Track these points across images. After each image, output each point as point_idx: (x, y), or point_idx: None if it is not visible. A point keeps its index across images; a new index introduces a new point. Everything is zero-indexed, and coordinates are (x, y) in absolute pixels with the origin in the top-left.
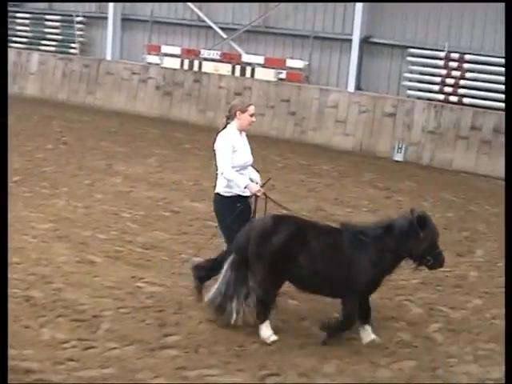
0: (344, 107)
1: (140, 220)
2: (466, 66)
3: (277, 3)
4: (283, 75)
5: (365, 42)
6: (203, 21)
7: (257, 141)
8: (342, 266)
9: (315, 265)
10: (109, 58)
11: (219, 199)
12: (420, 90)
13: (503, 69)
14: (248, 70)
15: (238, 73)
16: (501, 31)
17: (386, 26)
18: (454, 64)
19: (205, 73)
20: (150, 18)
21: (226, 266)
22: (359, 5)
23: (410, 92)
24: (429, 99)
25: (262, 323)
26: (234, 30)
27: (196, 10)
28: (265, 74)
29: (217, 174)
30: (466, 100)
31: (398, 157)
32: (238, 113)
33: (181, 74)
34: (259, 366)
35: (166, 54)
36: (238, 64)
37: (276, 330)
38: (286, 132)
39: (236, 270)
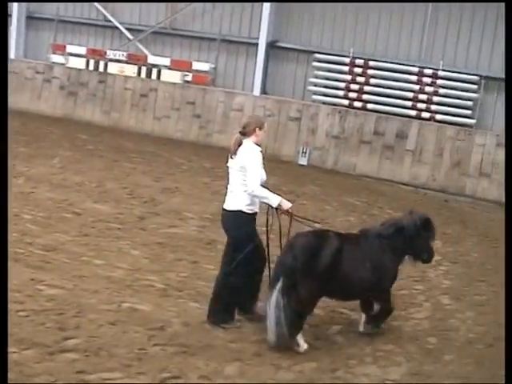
0: (249, 111)
1: (41, 221)
2: (370, 71)
3: (184, 5)
4: (189, 78)
5: (271, 46)
6: (109, 21)
7: (161, 143)
8: (374, 269)
9: (356, 273)
10: (12, 56)
11: (244, 217)
12: (325, 95)
13: (406, 75)
14: (154, 71)
15: (143, 74)
16: (404, 38)
17: (292, 31)
18: (358, 70)
19: (110, 74)
20: (56, 16)
21: (275, 293)
22: (266, 9)
23: (315, 97)
24: (333, 104)
25: (297, 334)
26: (141, 31)
27: (102, 9)
28: (171, 76)
29: (228, 191)
30: (369, 106)
31: (303, 161)
32: (256, 129)
33: (86, 75)
34: (160, 368)
35: (71, 54)
36: (144, 65)
37: (176, 333)
38: (191, 134)
39: (288, 295)
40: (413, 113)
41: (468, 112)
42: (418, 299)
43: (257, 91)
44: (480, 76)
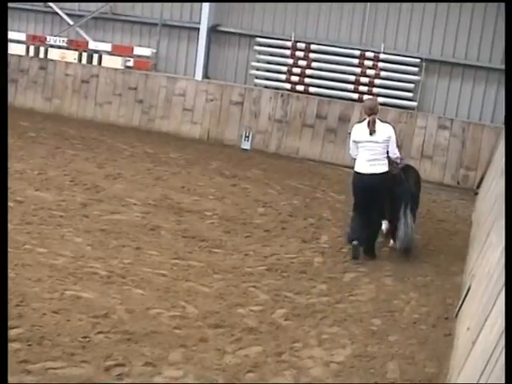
0: (191, 95)
1: None
2: (311, 55)
3: None
4: (131, 63)
5: (212, 30)
6: (49, 6)
7: (103, 129)
8: None
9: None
10: None
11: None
12: (267, 78)
13: (348, 59)
14: (95, 57)
15: (84, 60)
16: (345, 21)
17: (234, 15)
18: (300, 53)
19: (51, 60)
20: None
21: (409, 213)
22: None
23: (257, 81)
24: (276, 88)
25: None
26: (81, 16)
27: None
28: (112, 62)
29: (368, 160)
30: (311, 89)
31: (246, 145)
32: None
33: (26, 61)
34: (104, 356)
35: (11, 40)
36: (85, 51)
37: (120, 320)
38: (134, 120)
39: (412, 212)
40: (355, 96)
41: (409, 95)
42: (362, 281)
43: (199, 76)
44: (421, 59)
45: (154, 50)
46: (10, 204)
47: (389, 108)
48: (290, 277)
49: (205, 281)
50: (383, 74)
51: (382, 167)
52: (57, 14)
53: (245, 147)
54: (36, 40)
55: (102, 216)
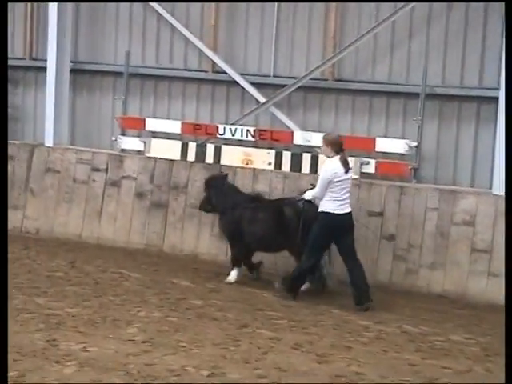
0: (488, 225)
1: None
2: None
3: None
4: (371, 167)
5: None
6: (221, 72)
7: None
8: None
9: None
10: (49, 142)
11: None
12: None
13: None
14: (306, 158)
15: (287, 165)
16: None
17: None
18: None
19: (226, 166)
20: (119, 67)
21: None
22: None
23: None
24: None
25: None
26: (278, 86)
27: (207, 51)
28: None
29: (346, 199)
30: None
31: None
32: None
33: (183, 171)
34: None
35: (155, 134)
36: (287, 150)
37: None
38: (380, 271)
39: None
40: None
41: None
42: None
43: (500, 186)
44: None
45: (414, 143)
46: None
47: None
48: None
49: None
50: None
51: (349, 205)
52: (233, 82)
53: None
54: (200, 131)
55: None
